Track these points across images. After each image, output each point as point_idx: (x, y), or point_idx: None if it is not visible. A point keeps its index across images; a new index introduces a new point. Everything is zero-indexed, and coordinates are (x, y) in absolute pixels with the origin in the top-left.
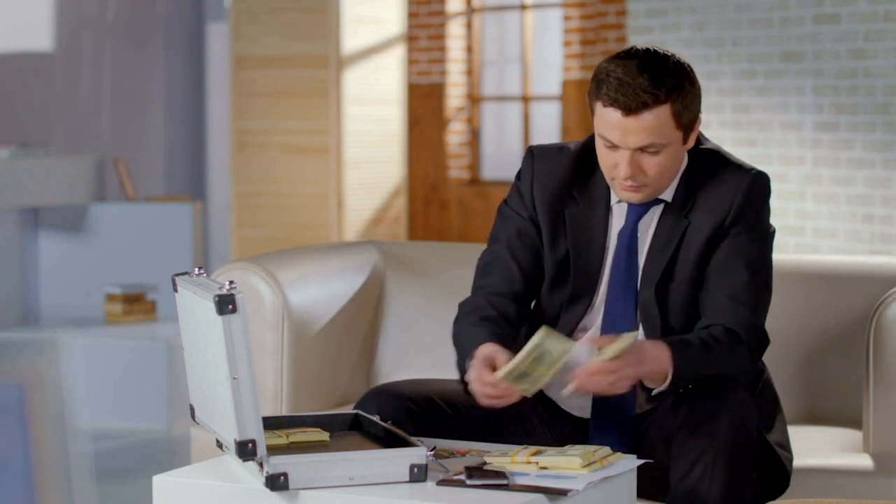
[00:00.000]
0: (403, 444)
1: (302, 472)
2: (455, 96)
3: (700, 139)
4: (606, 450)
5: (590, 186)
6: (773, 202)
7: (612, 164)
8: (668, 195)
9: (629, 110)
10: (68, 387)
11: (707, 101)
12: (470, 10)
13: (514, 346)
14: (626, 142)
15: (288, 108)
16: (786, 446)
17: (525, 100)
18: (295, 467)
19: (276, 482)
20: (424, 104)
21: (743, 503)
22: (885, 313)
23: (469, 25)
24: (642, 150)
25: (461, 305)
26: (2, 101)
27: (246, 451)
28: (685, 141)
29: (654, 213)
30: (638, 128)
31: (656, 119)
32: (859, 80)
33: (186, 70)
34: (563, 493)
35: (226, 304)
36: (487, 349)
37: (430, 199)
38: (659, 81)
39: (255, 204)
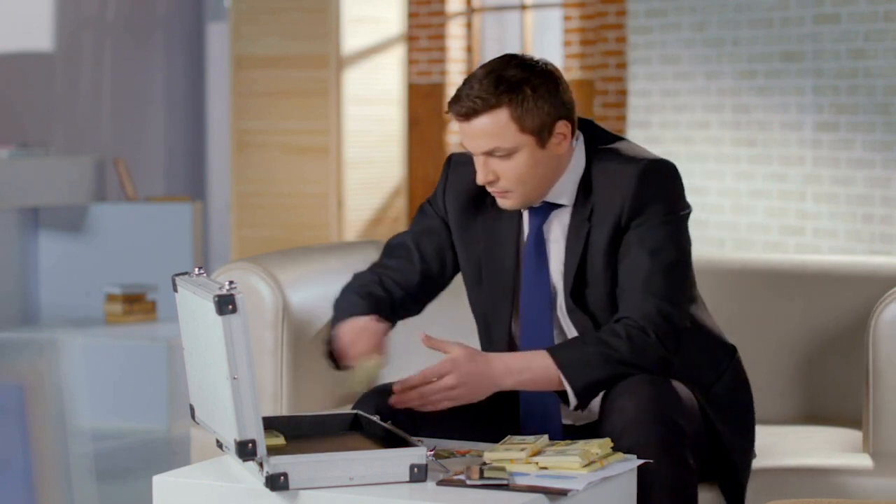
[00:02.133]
0: (403, 444)
1: (302, 472)
2: None
3: (604, 139)
4: (607, 443)
5: None
6: (774, 202)
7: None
8: (567, 200)
9: (463, 116)
10: (68, 387)
11: (707, 101)
12: (470, 10)
13: (391, 313)
14: (472, 146)
15: (288, 108)
16: (749, 434)
17: None
18: (295, 467)
19: (276, 482)
20: (424, 104)
21: (688, 493)
22: (885, 313)
23: (469, 25)
24: (490, 154)
25: (355, 276)
26: (2, 101)
27: (246, 451)
28: (542, 146)
29: (558, 219)
30: (475, 132)
31: (494, 124)
32: (859, 80)
33: (186, 70)
34: (563, 493)
35: (226, 304)
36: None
37: None
38: (494, 87)
39: (255, 204)
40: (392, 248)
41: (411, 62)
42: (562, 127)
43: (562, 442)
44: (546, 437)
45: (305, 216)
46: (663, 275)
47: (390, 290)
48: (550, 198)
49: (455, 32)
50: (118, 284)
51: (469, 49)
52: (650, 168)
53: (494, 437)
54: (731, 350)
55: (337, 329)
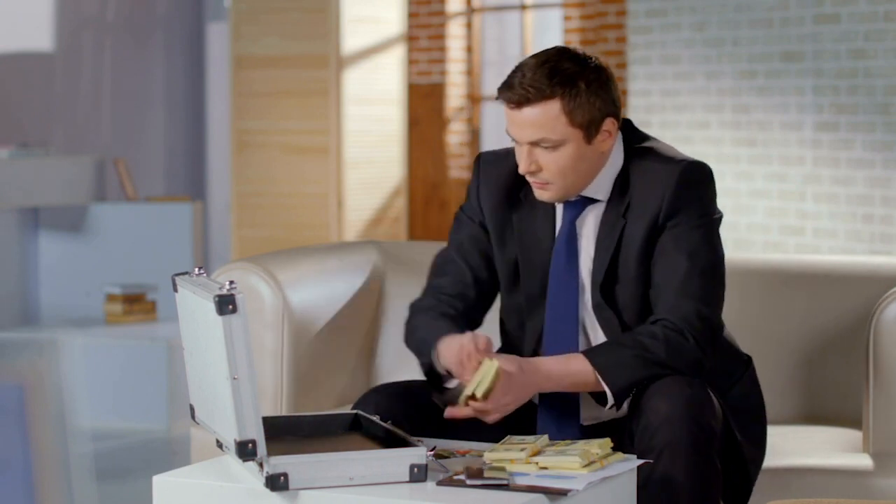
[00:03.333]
0: (403, 444)
1: (302, 472)
2: (455, 96)
3: (639, 138)
4: (607, 443)
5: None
6: (774, 202)
7: (519, 159)
8: (602, 195)
9: (514, 103)
10: (68, 387)
11: (707, 101)
12: (470, 10)
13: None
14: (519, 135)
15: (288, 108)
16: (761, 442)
17: None
18: (295, 467)
19: (276, 482)
20: (424, 104)
21: (713, 495)
22: (885, 313)
23: (469, 25)
24: (536, 144)
25: (413, 305)
26: (2, 101)
27: (246, 451)
28: (589, 141)
29: (592, 214)
30: (525, 121)
31: (544, 115)
32: (859, 80)
33: (186, 70)
34: (563, 493)
35: (226, 304)
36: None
37: (430, 199)
38: (549, 77)
39: (255, 204)
40: (440, 268)
41: (411, 62)
42: (609, 124)
43: (561, 442)
44: (546, 437)
45: (305, 216)
46: (700, 277)
47: (454, 307)
48: (587, 192)
49: (455, 32)
50: (118, 284)
51: (469, 49)
52: (690, 169)
53: (494, 437)
54: (747, 359)
55: (439, 353)
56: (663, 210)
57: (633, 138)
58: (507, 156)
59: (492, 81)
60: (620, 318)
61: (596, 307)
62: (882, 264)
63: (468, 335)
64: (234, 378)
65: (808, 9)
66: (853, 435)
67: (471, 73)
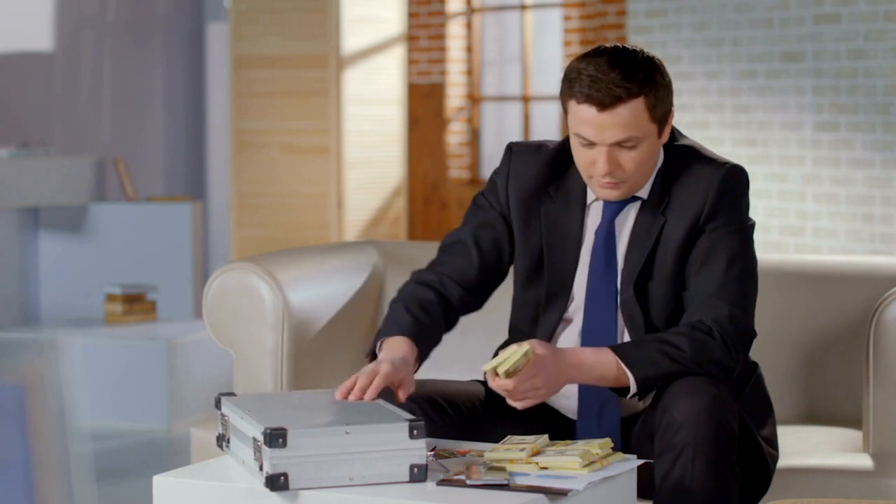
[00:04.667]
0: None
1: (302, 472)
2: (455, 96)
3: (675, 136)
4: (608, 443)
5: (566, 185)
6: (774, 202)
7: (590, 161)
8: (644, 192)
9: (603, 105)
10: (68, 387)
11: (707, 100)
12: (470, 10)
13: (434, 336)
14: (602, 137)
15: (288, 108)
16: (773, 445)
17: (525, 100)
18: (295, 467)
19: (276, 482)
20: (424, 104)
21: (730, 497)
22: (885, 313)
23: (469, 25)
24: (619, 145)
25: (414, 274)
26: (2, 101)
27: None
28: (660, 135)
29: (631, 211)
30: (613, 122)
31: (631, 113)
32: (859, 80)
33: (186, 70)
34: (563, 493)
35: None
36: (388, 365)
37: (430, 199)
38: (631, 75)
39: (255, 204)
40: (449, 246)
41: (411, 62)
42: (672, 117)
43: (561, 442)
44: (546, 436)
45: (305, 216)
46: (737, 282)
47: (446, 290)
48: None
49: (455, 32)
50: (118, 284)
51: (469, 49)
52: (734, 173)
53: (494, 437)
54: (752, 365)
55: (381, 345)
56: (705, 212)
57: (672, 137)
58: (540, 148)
59: (492, 81)
60: (647, 317)
61: (623, 303)
62: (882, 264)
63: (385, 365)
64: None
65: (808, 9)
66: (853, 435)
67: (471, 73)
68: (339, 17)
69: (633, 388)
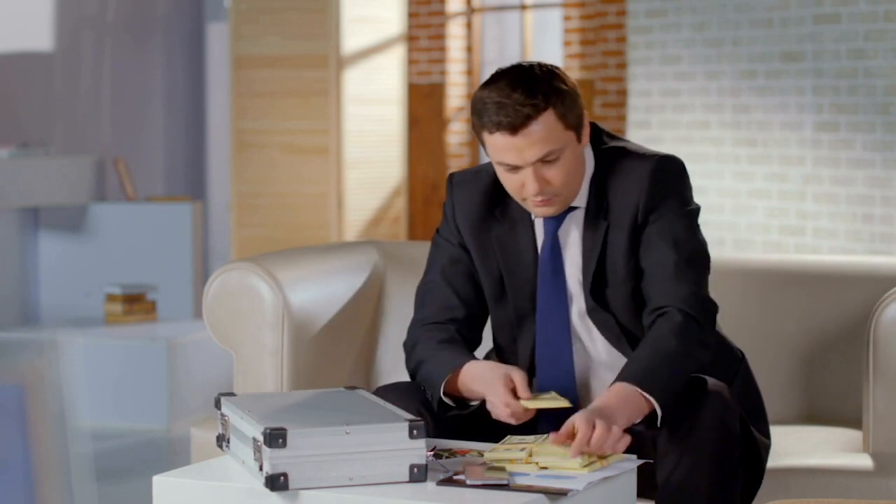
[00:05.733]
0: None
1: (302, 472)
2: (455, 96)
3: (604, 139)
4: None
5: (510, 206)
6: (773, 202)
7: (519, 185)
8: (580, 201)
9: (515, 128)
10: (68, 387)
11: (707, 100)
12: (470, 10)
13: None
14: (523, 158)
15: (288, 108)
16: (766, 433)
17: None
18: (295, 467)
19: (276, 482)
20: (424, 104)
21: (732, 499)
22: (885, 313)
23: (469, 25)
24: (542, 161)
25: (406, 344)
26: (2, 101)
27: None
28: (579, 140)
29: (573, 222)
30: (529, 142)
31: (544, 127)
32: (859, 80)
33: (186, 70)
34: (563, 493)
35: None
36: (500, 369)
37: (430, 199)
38: (534, 91)
39: (255, 204)
40: (423, 298)
41: (411, 62)
42: (586, 118)
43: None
44: (546, 437)
45: (305, 216)
46: (689, 264)
47: (447, 331)
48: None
49: (455, 32)
50: (118, 284)
51: (469, 49)
52: (662, 164)
53: (494, 437)
54: (739, 356)
55: (459, 381)
56: (642, 206)
57: (600, 141)
58: (478, 174)
59: None
60: (616, 319)
61: (590, 311)
62: (882, 264)
63: (500, 372)
64: None
65: (808, 9)
66: (853, 435)
67: (471, 73)
68: (339, 17)
69: (660, 411)
